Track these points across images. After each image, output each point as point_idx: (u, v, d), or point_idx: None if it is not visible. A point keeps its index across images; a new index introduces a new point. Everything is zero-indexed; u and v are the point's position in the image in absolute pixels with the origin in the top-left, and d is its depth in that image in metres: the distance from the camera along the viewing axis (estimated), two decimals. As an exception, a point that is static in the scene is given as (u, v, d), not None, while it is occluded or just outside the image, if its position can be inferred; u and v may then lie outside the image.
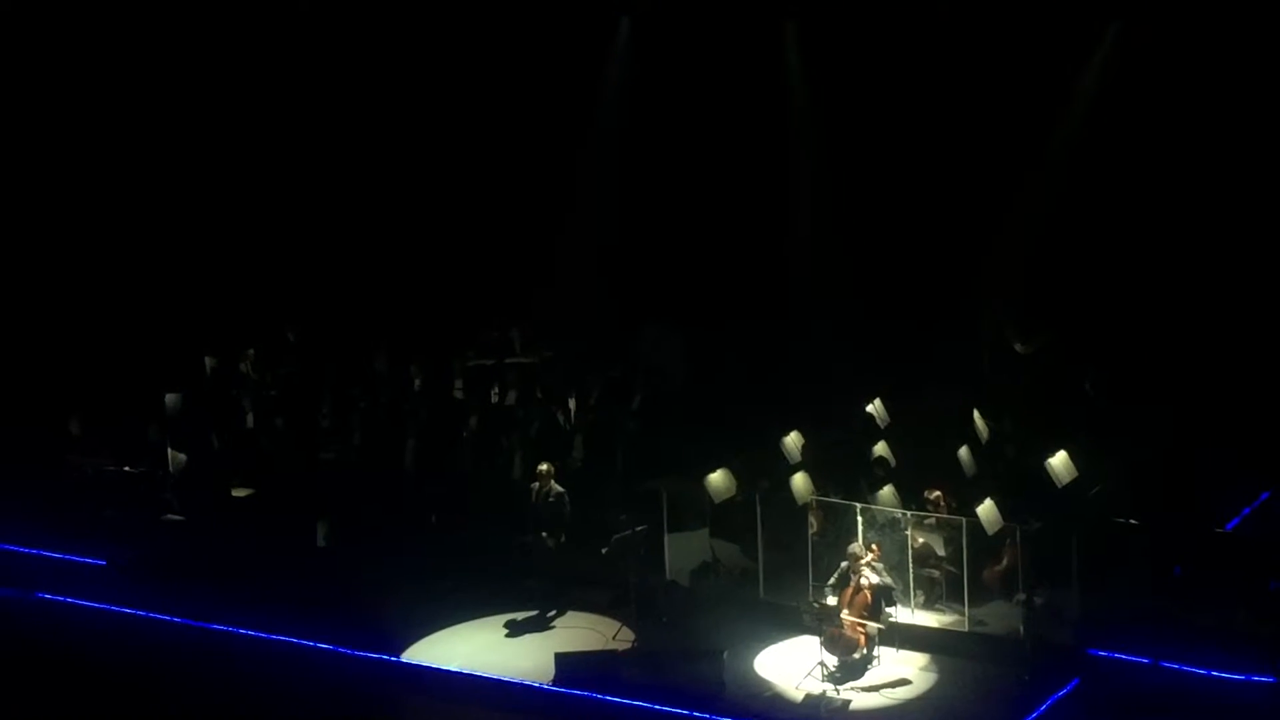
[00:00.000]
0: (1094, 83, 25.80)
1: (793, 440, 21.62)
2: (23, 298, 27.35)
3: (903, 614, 18.84)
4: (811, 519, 19.64)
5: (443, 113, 28.42)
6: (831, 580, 18.40)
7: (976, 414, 22.24)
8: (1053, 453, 20.13)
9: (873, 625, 17.97)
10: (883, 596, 18.15)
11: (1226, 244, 24.54)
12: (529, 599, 20.16)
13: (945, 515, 19.22)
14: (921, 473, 20.46)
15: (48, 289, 27.53)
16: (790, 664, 18.38)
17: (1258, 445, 22.06)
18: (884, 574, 18.26)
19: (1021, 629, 18.32)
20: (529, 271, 28.16)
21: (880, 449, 21.22)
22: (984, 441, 21.95)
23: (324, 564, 21.57)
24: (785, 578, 19.61)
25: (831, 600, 18.23)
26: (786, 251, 27.86)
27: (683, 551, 20.50)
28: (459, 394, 25.23)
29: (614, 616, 19.74)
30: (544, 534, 20.16)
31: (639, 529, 20.08)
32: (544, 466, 20.29)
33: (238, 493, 23.19)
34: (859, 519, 19.01)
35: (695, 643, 18.83)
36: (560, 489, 20.17)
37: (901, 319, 25.78)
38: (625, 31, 28.25)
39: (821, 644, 17.91)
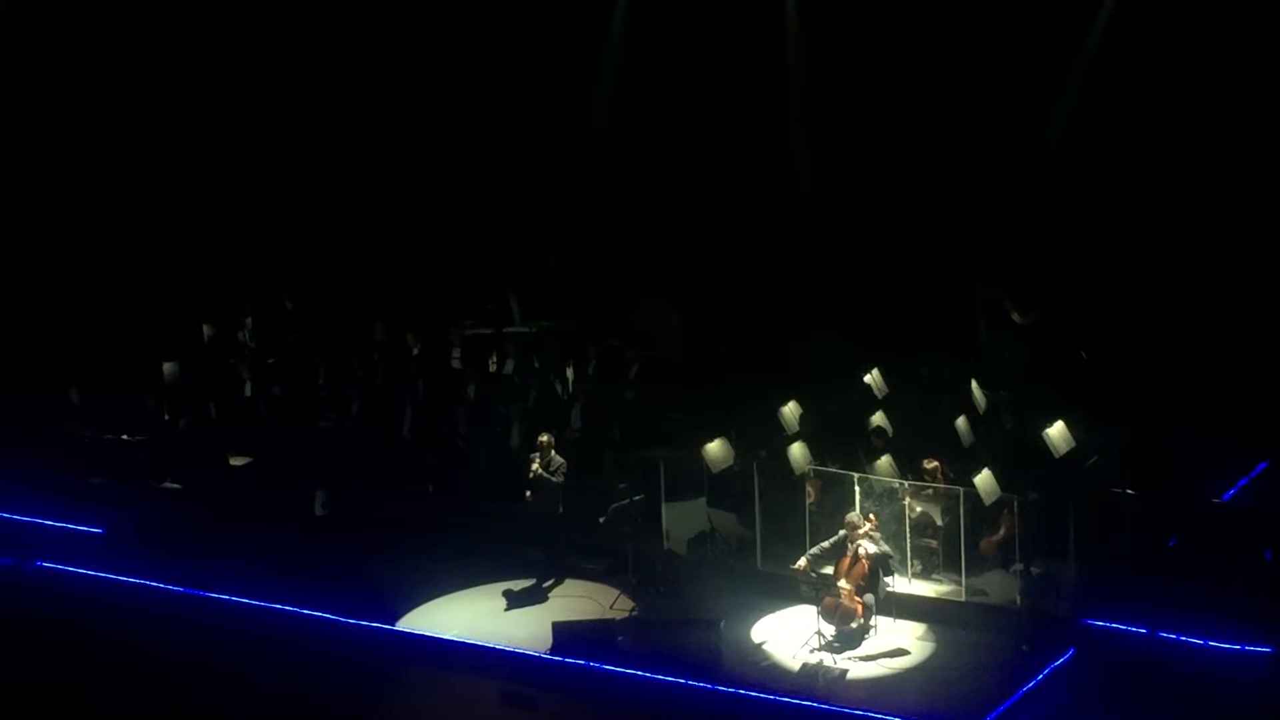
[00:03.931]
0: (1093, 55, 25.72)
1: (790, 410, 21.62)
2: (22, 266, 27.31)
3: (900, 584, 18.87)
4: (809, 489, 19.65)
5: (441, 83, 28.34)
6: (823, 546, 18.38)
7: (974, 384, 22.24)
8: (1050, 423, 20.15)
9: (869, 595, 18.01)
10: (880, 566, 18.18)
11: (1230, 216, 24.50)
12: (528, 566, 20.18)
13: (943, 485, 19.23)
14: (919, 443, 20.46)
15: (47, 257, 27.47)
16: (787, 633, 18.42)
17: (1255, 416, 22.05)
18: (881, 543, 18.28)
19: (1018, 599, 18.35)
20: (527, 241, 28.12)
21: (878, 419, 21.20)
22: (982, 411, 21.94)
23: (321, 532, 21.58)
24: (783, 547, 19.62)
25: (828, 570, 18.26)
26: (784, 221, 27.80)
27: (680, 521, 20.53)
28: (457, 363, 25.22)
29: (611, 585, 19.76)
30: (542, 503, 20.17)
31: (636, 498, 20.10)
32: (545, 437, 20.17)
33: (235, 461, 23.20)
34: (856, 489, 19.02)
35: (692, 612, 18.87)
36: (561, 459, 20.14)
37: (900, 289, 25.74)
38: (622, 4, 28.16)
39: (819, 613, 17.94)
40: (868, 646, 18.01)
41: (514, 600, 19.67)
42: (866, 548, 18.07)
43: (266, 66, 28.33)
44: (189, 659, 18.61)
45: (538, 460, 19.99)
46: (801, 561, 18.28)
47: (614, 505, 19.98)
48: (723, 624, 18.14)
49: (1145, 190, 24.94)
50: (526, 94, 28.04)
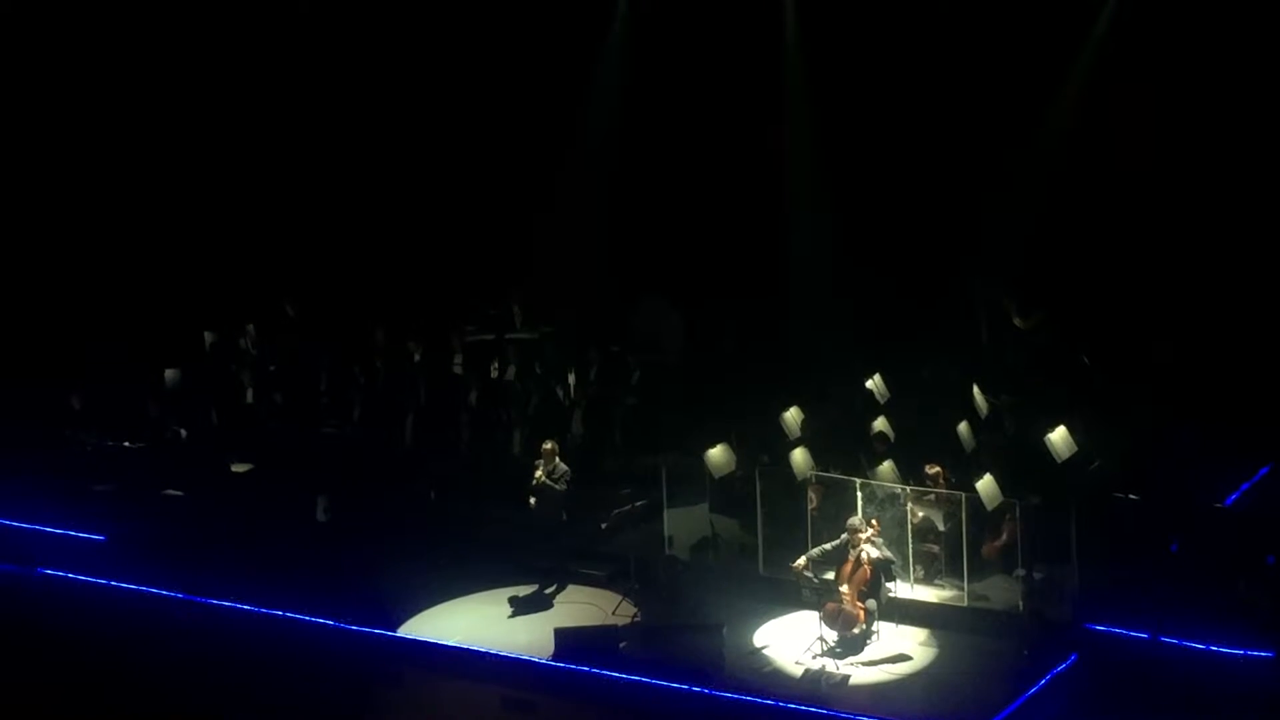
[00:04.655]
0: (1094, 55, 25.71)
1: (792, 415, 21.63)
2: (24, 272, 27.31)
3: (902, 589, 18.86)
4: (811, 494, 19.64)
5: (439, 88, 28.32)
6: (825, 548, 18.37)
7: (976, 389, 22.23)
8: (1052, 428, 20.14)
9: (872, 600, 18.00)
10: (882, 571, 18.18)
11: (1232, 217, 24.49)
12: (530, 572, 20.15)
13: (945, 490, 19.23)
14: (921, 448, 20.46)
15: (50, 263, 27.48)
16: (790, 639, 18.42)
17: (1257, 420, 22.04)
18: (884, 549, 18.27)
19: (1021, 604, 18.37)
20: (527, 245, 28.10)
21: (880, 424, 21.20)
22: (983, 416, 21.95)
23: (323, 539, 21.58)
24: (785, 553, 19.59)
25: (829, 575, 18.25)
26: (785, 223, 27.78)
27: (682, 526, 20.54)
28: (458, 369, 25.20)
29: (613, 591, 19.76)
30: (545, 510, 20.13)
31: (638, 504, 20.10)
32: (549, 445, 19.96)
33: (237, 468, 23.20)
34: (858, 494, 19.02)
35: (695, 617, 18.88)
36: (565, 467, 20.05)
37: (900, 294, 25.73)
38: (622, 8, 28.14)
39: (821, 619, 17.94)
40: (870, 652, 18.01)
41: (516, 606, 19.66)
42: (868, 553, 18.06)
43: (266, 67, 28.29)
44: (190, 666, 18.60)
45: (541, 468, 19.95)
46: (800, 560, 18.29)
47: (616, 511, 19.98)
48: (725, 629, 18.16)
49: (1146, 191, 24.91)
50: (527, 95, 28.00)
